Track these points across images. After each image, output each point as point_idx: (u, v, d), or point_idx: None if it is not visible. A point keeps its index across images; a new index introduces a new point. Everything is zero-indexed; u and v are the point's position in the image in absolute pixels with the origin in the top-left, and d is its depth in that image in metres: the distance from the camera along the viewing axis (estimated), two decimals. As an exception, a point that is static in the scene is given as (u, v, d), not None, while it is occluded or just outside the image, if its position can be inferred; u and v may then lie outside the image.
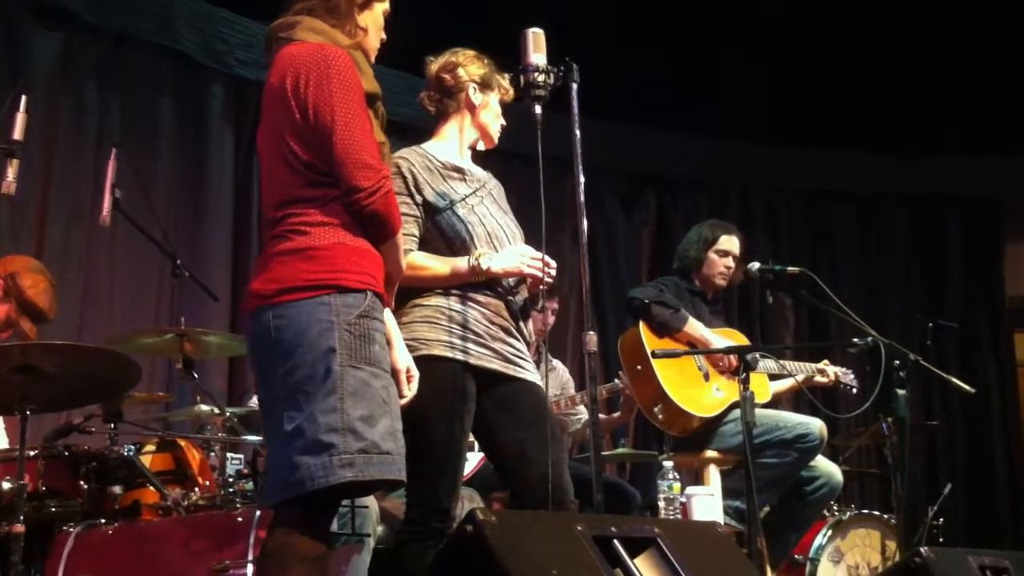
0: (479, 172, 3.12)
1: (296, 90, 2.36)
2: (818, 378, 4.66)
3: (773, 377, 4.58)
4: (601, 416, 4.74)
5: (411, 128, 4.15)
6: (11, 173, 2.88)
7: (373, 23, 2.61)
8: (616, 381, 4.69)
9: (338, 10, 2.53)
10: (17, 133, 2.91)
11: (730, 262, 4.59)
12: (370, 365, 2.29)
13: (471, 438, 3.02)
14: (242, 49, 5.84)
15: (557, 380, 4.97)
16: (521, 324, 3.00)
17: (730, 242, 4.60)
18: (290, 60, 2.40)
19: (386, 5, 2.65)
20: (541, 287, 2.99)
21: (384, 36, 2.67)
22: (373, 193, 2.33)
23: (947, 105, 7.32)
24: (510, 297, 2.97)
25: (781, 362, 4.56)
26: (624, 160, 7.41)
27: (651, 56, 6.86)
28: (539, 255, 2.95)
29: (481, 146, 3.14)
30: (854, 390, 4.78)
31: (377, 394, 2.28)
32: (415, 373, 2.66)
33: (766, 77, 7.29)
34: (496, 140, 3.16)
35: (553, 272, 2.97)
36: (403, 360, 2.65)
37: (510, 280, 2.97)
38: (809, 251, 7.89)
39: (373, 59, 2.64)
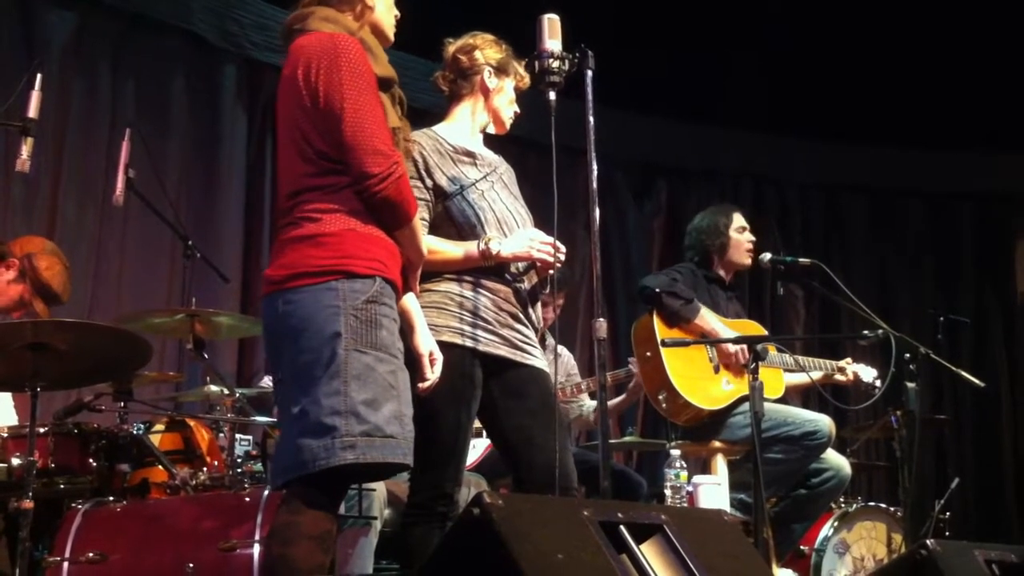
0: (490, 156, 3.09)
1: (307, 78, 2.38)
2: (837, 376, 4.56)
3: (788, 371, 4.51)
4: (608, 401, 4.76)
5: (428, 114, 4.14)
6: (25, 151, 2.89)
7: (382, 1, 2.61)
8: (629, 367, 4.67)
9: None
10: (32, 111, 2.92)
11: (750, 235, 4.61)
12: (376, 350, 2.30)
13: (478, 424, 3.02)
14: (256, 31, 5.84)
15: (563, 367, 4.96)
16: (530, 310, 2.99)
17: (742, 218, 4.63)
18: (301, 50, 2.43)
19: None
20: (551, 272, 2.98)
21: (398, 13, 2.67)
22: (384, 179, 2.34)
23: (962, 101, 7.28)
24: (519, 283, 2.96)
25: (796, 357, 4.49)
26: (636, 149, 7.38)
27: (665, 45, 6.83)
28: (549, 239, 2.94)
29: (491, 130, 3.12)
30: (877, 391, 4.52)
31: (382, 379, 2.29)
32: (438, 357, 2.67)
33: (781, 68, 7.26)
34: (508, 126, 3.14)
35: (563, 257, 2.96)
36: (425, 344, 2.66)
37: (519, 265, 2.96)
38: (821, 244, 7.86)
39: (391, 36, 2.65)
